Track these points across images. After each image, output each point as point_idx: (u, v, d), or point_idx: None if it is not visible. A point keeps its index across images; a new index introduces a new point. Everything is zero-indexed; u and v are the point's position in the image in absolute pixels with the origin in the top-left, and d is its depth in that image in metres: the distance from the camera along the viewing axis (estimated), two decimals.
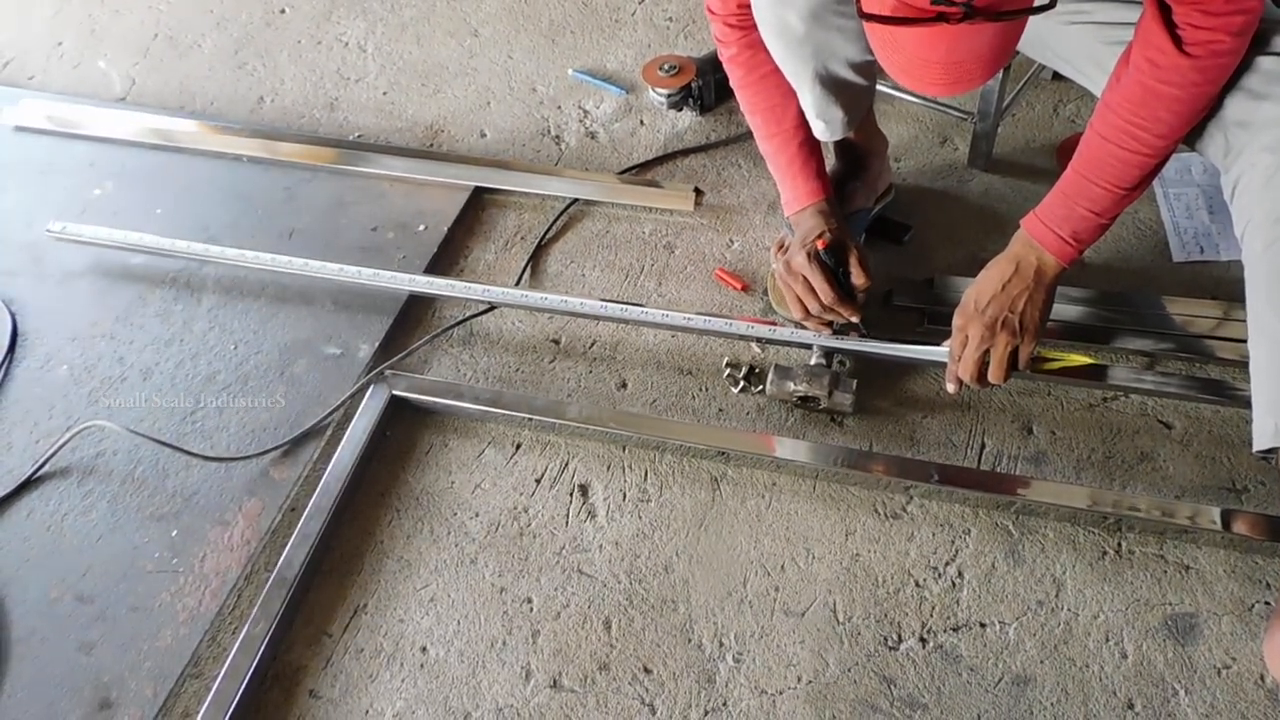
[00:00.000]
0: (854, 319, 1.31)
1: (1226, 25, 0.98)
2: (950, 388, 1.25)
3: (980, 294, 1.21)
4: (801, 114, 1.31)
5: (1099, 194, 1.12)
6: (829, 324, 1.34)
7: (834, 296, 1.28)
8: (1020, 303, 1.19)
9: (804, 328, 1.36)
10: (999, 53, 0.95)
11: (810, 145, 1.33)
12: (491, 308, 1.50)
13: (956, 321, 1.23)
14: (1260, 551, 1.16)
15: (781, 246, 1.42)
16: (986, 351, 1.20)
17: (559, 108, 1.84)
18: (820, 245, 1.29)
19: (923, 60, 0.95)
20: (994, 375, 1.21)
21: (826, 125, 1.35)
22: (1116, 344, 1.36)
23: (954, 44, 0.92)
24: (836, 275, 1.30)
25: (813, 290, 1.29)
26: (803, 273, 1.29)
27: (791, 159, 1.33)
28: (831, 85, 1.27)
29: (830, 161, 1.49)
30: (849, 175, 1.47)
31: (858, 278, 1.30)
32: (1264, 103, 1.02)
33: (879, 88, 1.70)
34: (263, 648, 1.15)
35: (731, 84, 1.34)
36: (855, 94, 1.32)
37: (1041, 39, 1.24)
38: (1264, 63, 1.03)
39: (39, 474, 1.36)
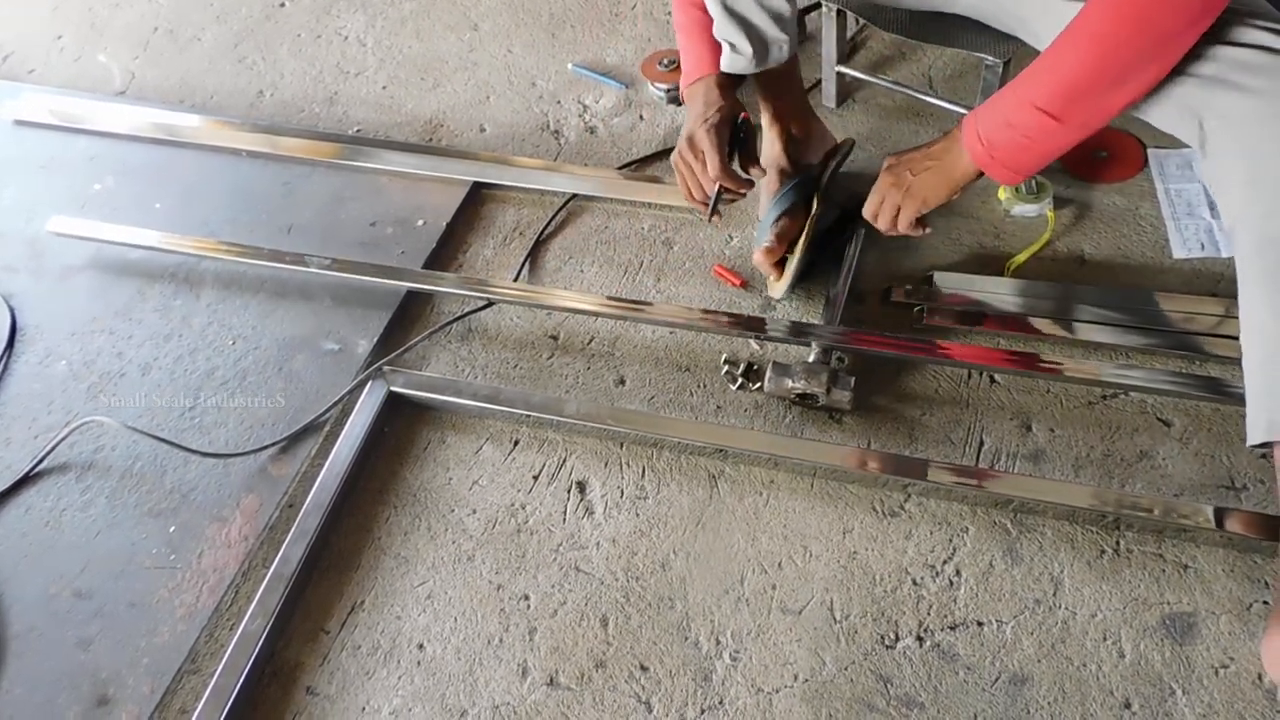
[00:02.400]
0: (742, 191, 1.32)
1: None
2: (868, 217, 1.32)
3: (911, 150, 1.27)
4: None
5: (1014, 105, 1.10)
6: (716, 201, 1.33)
7: (720, 168, 1.27)
8: (922, 170, 1.23)
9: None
10: None
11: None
12: (490, 303, 1.50)
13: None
14: (1259, 550, 1.15)
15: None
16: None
17: (558, 102, 1.83)
18: (745, 116, 1.31)
19: None
20: (881, 222, 1.30)
21: (731, 50, 1.33)
22: (1115, 342, 1.35)
23: None
24: (733, 152, 1.31)
25: (706, 170, 1.29)
26: (702, 149, 1.28)
27: (703, 27, 1.32)
28: (734, 15, 1.29)
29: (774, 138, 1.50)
30: (788, 141, 1.48)
31: (754, 154, 1.33)
32: (1234, 93, 1.01)
33: (879, 81, 1.70)
34: (260, 644, 1.15)
35: None
36: (760, 35, 1.32)
37: (1032, 16, 1.22)
38: (1239, 54, 1.01)
39: (37, 470, 1.36)
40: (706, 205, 1.32)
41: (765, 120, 1.48)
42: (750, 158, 1.33)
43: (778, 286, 1.43)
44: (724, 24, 1.32)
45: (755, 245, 1.43)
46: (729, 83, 1.34)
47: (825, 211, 1.44)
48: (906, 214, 1.26)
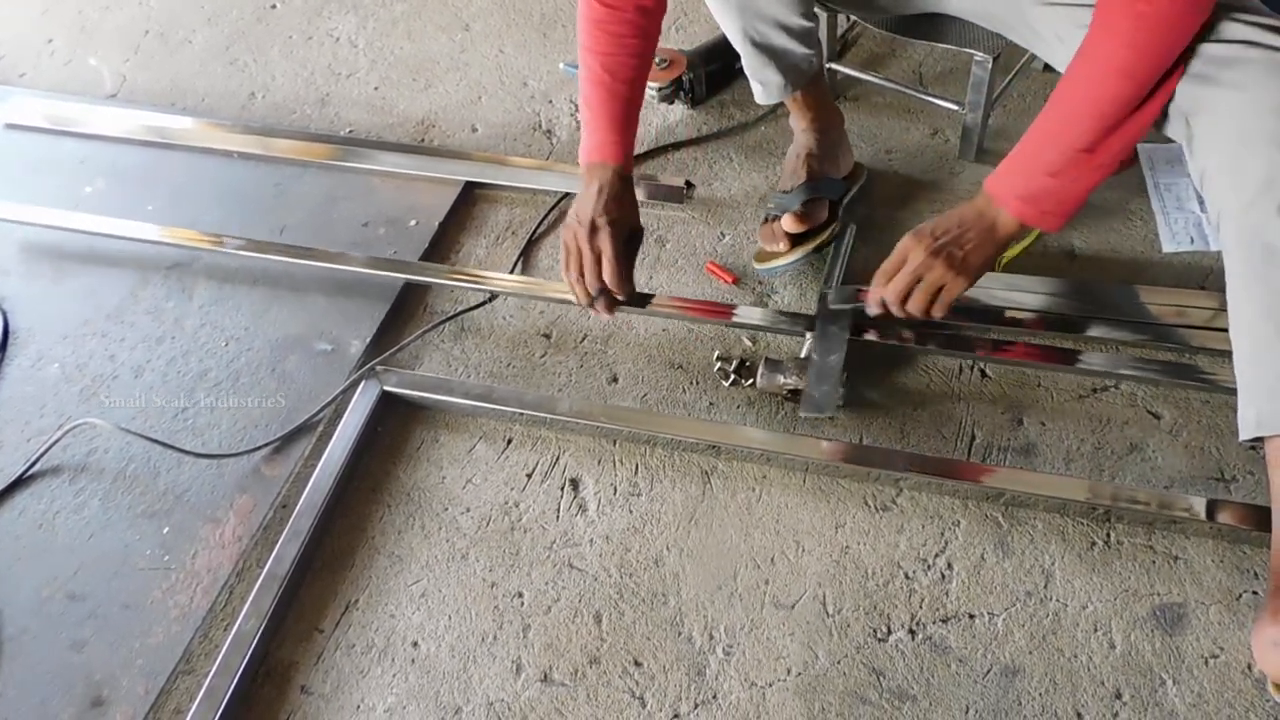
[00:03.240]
0: (622, 297, 1.29)
1: None
2: (871, 310, 1.21)
3: (938, 225, 1.16)
4: (641, 76, 1.28)
5: (1053, 157, 1.08)
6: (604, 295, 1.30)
7: (618, 277, 1.26)
8: (969, 244, 1.15)
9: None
10: None
11: (634, 109, 1.29)
12: (492, 297, 1.50)
13: (904, 242, 1.18)
14: (1248, 541, 1.16)
15: (770, 229, 1.45)
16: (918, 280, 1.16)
17: (550, 102, 1.83)
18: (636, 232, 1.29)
19: None
20: (914, 304, 1.17)
21: (762, 87, 1.40)
22: (1105, 335, 1.35)
23: None
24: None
25: (597, 265, 1.26)
26: (604, 247, 1.25)
27: (615, 114, 1.27)
28: (764, 48, 1.31)
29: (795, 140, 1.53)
30: (809, 155, 1.49)
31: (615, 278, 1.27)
32: (1219, 89, 1.02)
33: (870, 78, 1.70)
34: (254, 644, 1.16)
35: (582, 18, 1.26)
36: (791, 60, 1.36)
37: (1019, 20, 1.23)
38: (1223, 50, 1.02)
39: (30, 472, 1.36)
40: (589, 298, 1.29)
41: (804, 123, 1.50)
42: (631, 261, 1.31)
43: (774, 261, 1.45)
44: (754, 61, 1.35)
45: (779, 209, 1.43)
46: (630, 172, 1.31)
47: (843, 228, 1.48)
48: (952, 293, 1.16)
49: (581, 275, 1.28)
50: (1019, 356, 1.33)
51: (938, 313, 1.18)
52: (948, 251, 1.15)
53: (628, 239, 1.29)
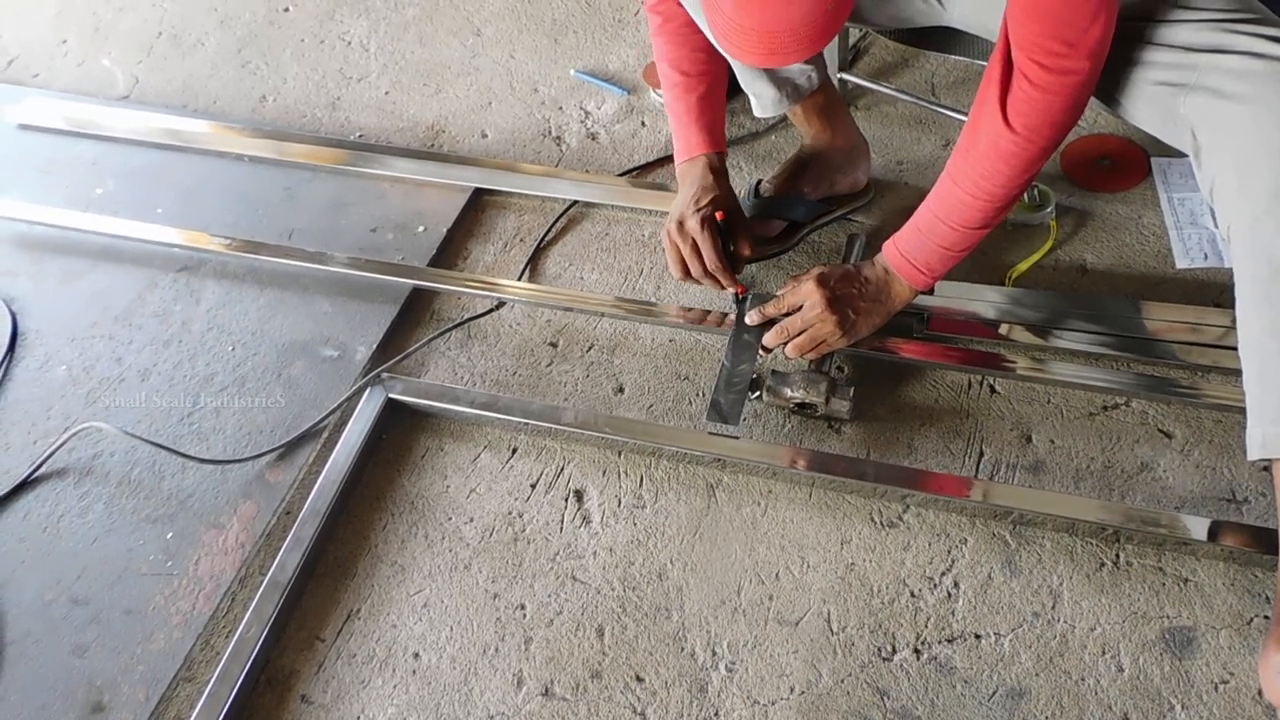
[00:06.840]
0: (731, 289, 1.34)
1: (1049, 107, 1.04)
2: (769, 341, 1.29)
3: (841, 278, 1.26)
4: (709, 67, 1.33)
5: (947, 231, 1.18)
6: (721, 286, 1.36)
7: (719, 264, 1.31)
8: (863, 309, 1.25)
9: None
10: (816, 28, 0.97)
11: (710, 99, 1.35)
12: (500, 305, 1.50)
13: (807, 286, 1.26)
14: (1259, 564, 1.14)
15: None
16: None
17: (560, 108, 1.83)
18: (719, 217, 1.31)
19: (739, 26, 0.98)
20: (792, 349, 1.27)
21: (756, 100, 1.41)
22: (1116, 352, 1.34)
23: (767, 10, 0.95)
24: (724, 243, 1.33)
25: (698, 254, 1.31)
26: (693, 236, 1.30)
27: (689, 108, 1.35)
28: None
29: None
30: (798, 167, 1.49)
31: (743, 249, 1.34)
32: (1223, 101, 1.00)
33: (882, 88, 1.69)
34: (255, 652, 1.15)
35: (650, 32, 1.35)
36: (785, 73, 1.36)
37: (984, 18, 1.23)
38: (1226, 61, 1.01)
39: (36, 475, 1.36)
40: (716, 284, 1.34)
41: (806, 137, 1.50)
42: (740, 246, 1.35)
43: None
44: (746, 74, 1.36)
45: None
46: (722, 165, 1.37)
47: (771, 242, 1.49)
48: (831, 348, 1.28)
49: (687, 271, 1.33)
50: (1028, 372, 1.32)
51: (809, 358, 1.29)
52: (842, 310, 1.24)
53: (724, 219, 1.31)
